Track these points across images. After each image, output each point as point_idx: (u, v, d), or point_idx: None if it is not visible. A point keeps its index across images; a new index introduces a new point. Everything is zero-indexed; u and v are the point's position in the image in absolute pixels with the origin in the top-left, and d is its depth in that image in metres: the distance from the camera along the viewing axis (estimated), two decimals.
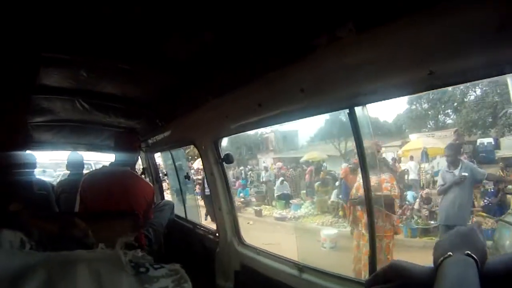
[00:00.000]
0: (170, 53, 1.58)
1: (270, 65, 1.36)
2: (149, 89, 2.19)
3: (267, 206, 11.30)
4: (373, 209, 1.39)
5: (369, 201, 1.39)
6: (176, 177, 3.34)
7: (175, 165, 3.33)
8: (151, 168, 3.65)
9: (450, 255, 0.54)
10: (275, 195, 11.34)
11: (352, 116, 1.26)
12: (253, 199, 12.53)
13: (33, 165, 3.38)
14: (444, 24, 0.81)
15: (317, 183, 10.68)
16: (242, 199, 12.05)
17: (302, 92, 1.28)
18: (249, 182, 14.71)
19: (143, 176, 3.33)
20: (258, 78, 1.45)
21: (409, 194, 7.82)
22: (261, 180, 13.92)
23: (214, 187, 2.20)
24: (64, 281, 0.51)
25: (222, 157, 2.12)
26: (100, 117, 2.71)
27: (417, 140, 12.01)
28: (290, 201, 10.72)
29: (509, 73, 0.83)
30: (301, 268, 1.64)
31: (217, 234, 2.35)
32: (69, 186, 3.16)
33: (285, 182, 11.57)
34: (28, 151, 3.31)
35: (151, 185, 2.67)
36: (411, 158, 9.98)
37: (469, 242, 0.56)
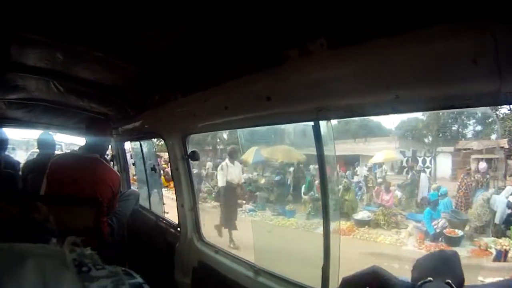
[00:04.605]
0: (144, 46, 1.56)
1: (239, 70, 1.32)
2: (122, 78, 2.13)
3: (498, 240, 5.32)
4: (329, 216, 1.36)
5: (326, 209, 1.36)
6: (143, 168, 3.31)
7: (143, 156, 3.27)
8: (120, 156, 3.55)
9: (430, 280, 0.51)
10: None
11: (316, 129, 1.23)
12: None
13: (3, 142, 3.29)
14: (415, 52, 0.79)
15: None
16: (444, 229, 5.81)
17: (269, 100, 1.25)
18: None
19: (111, 163, 3.26)
20: (226, 82, 1.41)
21: None
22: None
23: (179, 183, 2.13)
24: (8, 275, 0.52)
25: (188, 153, 2.07)
26: (73, 100, 2.65)
27: None
28: None
29: (477, 106, 0.83)
30: (257, 270, 1.62)
31: (178, 229, 2.30)
32: (36, 167, 2.98)
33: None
34: None
35: (118, 174, 2.63)
36: None
37: (450, 269, 0.54)
